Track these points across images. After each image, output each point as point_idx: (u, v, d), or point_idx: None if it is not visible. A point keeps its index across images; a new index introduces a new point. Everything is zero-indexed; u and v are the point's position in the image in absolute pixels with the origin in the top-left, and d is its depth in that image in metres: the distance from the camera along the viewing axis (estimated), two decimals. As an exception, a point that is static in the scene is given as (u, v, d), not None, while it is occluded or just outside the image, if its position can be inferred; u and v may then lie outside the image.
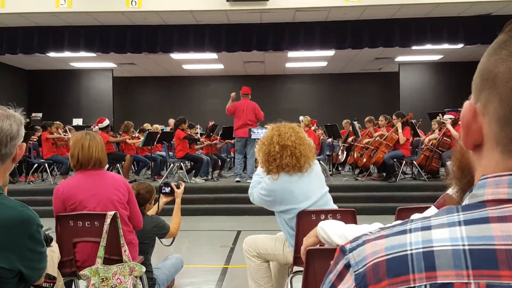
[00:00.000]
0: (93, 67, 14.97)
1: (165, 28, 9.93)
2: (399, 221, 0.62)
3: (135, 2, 8.74)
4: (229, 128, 9.97)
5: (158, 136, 10.00)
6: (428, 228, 0.56)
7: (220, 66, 14.97)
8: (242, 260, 3.40)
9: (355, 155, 9.59)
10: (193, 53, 10.84)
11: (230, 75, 16.17)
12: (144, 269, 2.90)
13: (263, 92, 15.53)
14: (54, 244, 2.92)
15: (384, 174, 9.07)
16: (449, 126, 8.47)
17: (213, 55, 12.55)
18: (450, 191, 0.71)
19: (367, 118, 10.07)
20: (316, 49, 10.32)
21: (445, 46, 10.39)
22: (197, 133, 10.55)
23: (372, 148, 9.06)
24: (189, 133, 9.71)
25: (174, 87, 16.85)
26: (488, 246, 0.52)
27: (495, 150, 0.59)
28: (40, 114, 14.90)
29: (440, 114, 9.66)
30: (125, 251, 2.86)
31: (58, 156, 9.42)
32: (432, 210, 1.55)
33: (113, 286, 2.75)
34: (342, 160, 10.79)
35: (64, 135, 9.85)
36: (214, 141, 10.75)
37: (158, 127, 11.71)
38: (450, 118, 8.60)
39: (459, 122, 0.67)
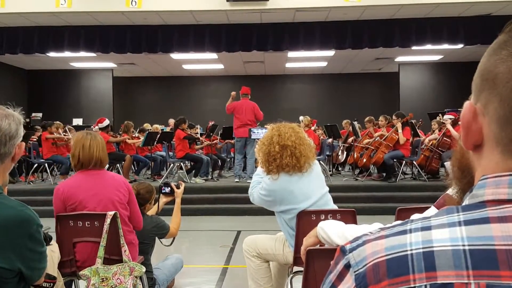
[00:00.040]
0: (93, 67, 14.97)
1: (165, 28, 9.93)
2: (399, 221, 0.62)
3: (135, 2, 8.74)
4: (229, 128, 9.98)
5: (158, 136, 10.00)
6: (428, 228, 0.56)
7: (220, 66, 14.97)
8: (242, 260, 3.40)
9: (355, 155, 9.59)
10: (193, 53, 10.84)
11: (230, 75, 16.17)
12: (144, 269, 2.90)
13: (263, 92, 15.53)
14: (54, 244, 2.92)
15: (384, 174, 9.07)
16: (449, 126, 8.47)
17: (213, 55, 12.55)
18: (450, 191, 0.71)
19: (367, 118, 10.07)
20: (316, 49, 10.32)
21: (445, 46, 10.39)
22: (197, 133, 10.56)
23: (372, 148, 9.06)
24: (189, 133, 9.71)
25: (174, 87, 16.85)
26: (488, 246, 0.52)
27: (495, 150, 0.59)
28: (40, 114, 14.90)
29: (440, 114, 9.66)
30: (125, 251, 2.86)
31: (58, 156, 9.42)
32: (432, 210, 1.55)
33: (113, 286, 2.75)
34: (342, 160, 10.79)
35: (64, 135, 9.85)
36: (214, 141, 10.75)
37: (158, 127, 11.71)
38: (450, 118, 8.60)
39: (459, 122, 0.67)
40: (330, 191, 3.18)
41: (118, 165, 9.52)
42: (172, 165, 10.16)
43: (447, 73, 14.77)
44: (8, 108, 1.70)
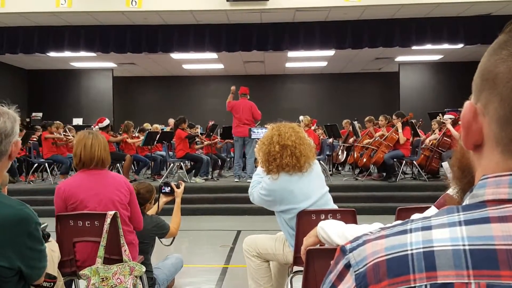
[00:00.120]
0: (93, 67, 14.97)
1: (165, 28, 9.93)
2: (399, 221, 0.62)
3: (135, 2, 8.74)
4: (229, 128, 9.98)
5: (158, 136, 10.00)
6: (429, 228, 0.56)
7: (220, 66, 14.97)
8: (242, 260, 3.40)
9: (355, 155, 9.59)
10: (193, 53, 10.85)
11: (230, 75, 16.17)
12: (144, 269, 2.90)
13: (263, 92, 15.54)
14: (54, 243, 2.92)
15: (384, 174, 9.07)
16: (449, 126, 8.47)
17: (213, 55, 12.55)
18: (451, 191, 0.71)
19: (367, 118, 10.07)
20: (316, 49, 10.32)
21: (445, 46, 10.39)
22: (197, 133, 10.56)
23: (372, 148, 9.06)
24: (189, 132, 9.71)
25: (174, 87, 16.86)
26: (488, 246, 0.52)
27: (495, 150, 0.59)
28: (40, 114, 14.91)
29: (440, 114, 9.65)
30: (125, 250, 2.86)
31: (58, 155, 9.42)
32: (432, 210, 1.55)
33: (113, 285, 2.76)
34: (342, 160, 10.79)
35: (64, 134, 9.85)
36: (214, 141, 10.75)
37: (158, 127, 11.72)
38: (450, 118, 8.60)
39: (459, 122, 0.67)
40: (330, 191, 3.18)
41: (118, 164, 9.52)
42: (172, 164, 10.16)
43: (447, 73, 14.77)
44: (3, 106, 1.70)
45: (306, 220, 2.91)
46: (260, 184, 3.10)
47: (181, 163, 9.73)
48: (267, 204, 3.09)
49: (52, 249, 2.78)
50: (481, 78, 0.60)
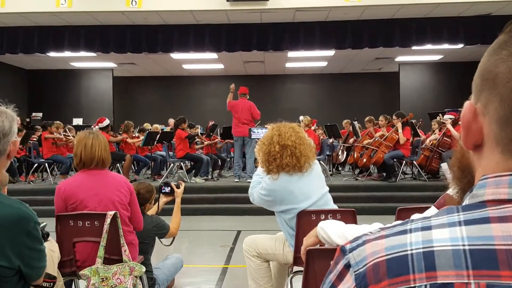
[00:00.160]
0: (93, 67, 14.97)
1: (165, 28, 9.93)
2: (399, 221, 0.62)
3: (135, 2, 8.74)
4: (229, 128, 9.98)
5: (158, 136, 10.00)
6: (429, 228, 0.56)
7: (220, 66, 14.97)
8: (242, 260, 3.40)
9: (355, 155, 9.60)
10: (193, 53, 10.85)
11: (230, 75, 16.16)
12: (144, 269, 2.90)
13: (263, 92, 15.54)
14: (54, 243, 2.92)
15: (384, 174, 9.07)
16: (449, 126, 8.47)
17: (213, 55, 12.55)
18: (450, 191, 0.71)
19: (367, 118, 10.07)
20: (316, 49, 10.32)
21: (445, 46, 10.40)
22: (197, 133, 10.56)
23: (372, 148, 9.06)
24: (189, 132, 9.72)
25: (174, 87, 16.86)
26: (488, 246, 0.52)
27: (495, 150, 0.59)
28: (40, 114, 14.91)
29: (440, 114, 9.66)
30: (125, 251, 2.86)
31: (58, 155, 9.42)
32: (432, 210, 1.55)
33: (113, 286, 2.76)
34: (342, 160, 10.79)
35: (64, 135, 9.85)
36: (214, 141, 10.75)
37: (158, 127, 11.72)
38: (450, 118, 8.60)
39: (459, 122, 0.67)
40: (330, 191, 3.18)
41: (118, 165, 9.52)
42: (172, 165, 10.16)
43: (447, 73, 14.77)
44: (1, 106, 1.70)
45: (306, 220, 2.91)
46: (260, 184, 3.10)
47: (181, 163, 9.74)
48: (267, 204, 3.09)
49: (52, 249, 2.78)
50: (481, 78, 0.60)
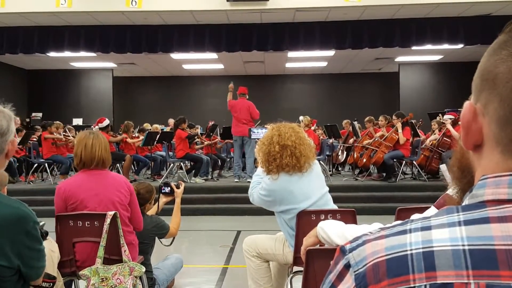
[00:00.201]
0: (93, 67, 14.97)
1: (165, 28, 9.93)
2: (399, 221, 0.62)
3: (135, 2, 8.74)
4: (229, 128, 9.98)
5: (158, 136, 10.00)
6: (428, 228, 0.56)
7: (220, 66, 14.97)
8: (242, 260, 3.40)
9: (355, 155, 9.60)
10: (193, 53, 10.85)
11: (230, 75, 16.14)
12: (144, 269, 2.90)
13: (263, 92, 15.54)
14: (54, 243, 2.92)
15: (384, 174, 9.07)
16: (449, 126, 8.48)
17: (213, 55, 12.56)
18: (450, 191, 0.71)
19: (367, 118, 10.07)
20: (316, 49, 10.32)
21: (445, 46, 10.40)
22: (197, 133, 10.56)
23: (372, 148, 9.06)
24: (189, 132, 9.72)
25: (174, 87, 16.86)
26: (488, 246, 0.52)
27: (495, 150, 0.59)
28: (40, 114, 14.91)
29: (440, 114, 9.66)
30: (125, 251, 2.86)
31: (58, 156, 9.42)
32: (432, 210, 1.55)
33: (113, 286, 2.75)
34: (342, 160, 10.79)
35: (64, 135, 9.86)
36: (214, 141, 10.75)
37: (158, 127, 11.72)
38: (450, 118, 8.61)
39: (459, 122, 0.67)
40: (330, 191, 3.18)
41: (118, 165, 9.52)
42: (172, 165, 10.16)
43: (447, 73, 14.77)
44: None
45: (306, 220, 2.91)
46: (260, 184, 3.10)
47: (181, 163, 9.74)
48: (267, 204, 3.09)
49: (51, 249, 2.78)
50: (481, 78, 0.61)
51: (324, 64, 14.84)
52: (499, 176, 0.57)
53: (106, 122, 9.39)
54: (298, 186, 2.98)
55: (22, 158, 10.05)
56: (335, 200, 3.23)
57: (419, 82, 15.08)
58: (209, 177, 9.72)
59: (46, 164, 9.44)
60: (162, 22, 9.75)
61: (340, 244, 0.65)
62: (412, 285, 0.53)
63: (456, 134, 8.19)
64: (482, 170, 0.60)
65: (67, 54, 10.99)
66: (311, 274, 2.07)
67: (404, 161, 9.07)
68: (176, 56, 12.69)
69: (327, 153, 10.49)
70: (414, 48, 10.73)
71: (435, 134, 9.24)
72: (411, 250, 0.54)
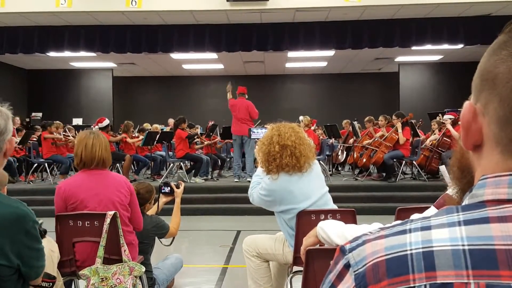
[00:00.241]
0: (93, 67, 14.97)
1: (165, 28, 9.93)
2: (399, 221, 0.62)
3: (135, 2, 8.74)
4: (229, 128, 9.99)
5: (158, 136, 10.00)
6: (428, 228, 0.56)
7: (220, 66, 14.97)
8: (242, 260, 3.40)
9: (355, 155, 9.60)
10: (193, 53, 10.84)
11: (230, 75, 16.15)
12: (143, 269, 2.90)
13: (263, 92, 15.54)
14: (54, 244, 2.92)
15: (384, 174, 9.07)
16: (449, 126, 8.48)
17: (213, 55, 12.55)
18: (450, 191, 0.71)
19: (367, 118, 10.07)
20: (316, 49, 10.32)
21: (445, 46, 10.40)
22: (197, 133, 10.56)
23: (372, 148, 9.06)
24: (189, 132, 9.72)
25: (174, 87, 16.85)
26: (488, 246, 0.52)
27: (495, 150, 0.59)
28: (40, 114, 14.91)
29: (440, 114, 9.66)
30: (124, 251, 2.86)
31: (57, 155, 9.42)
32: (431, 210, 1.55)
33: (113, 286, 2.75)
34: (342, 160, 10.80)
35: (64, 135, 9.86)
36: (214, 141, 10.75)
37: (157, 127, 11.72)
38: (450, 118, 8.61)
39: (459, 122, 0.67)
40: (330, 191, 3.18)
41: (118, 164, 9.52)
42: (172, 165, 10.16)
43: (447, 73, 14.77)
44: None
45: (305, 220, 2.91)
46: (259, 185, 3.10)
47: (181, 163, 9.74)
48: (266, 204, 3.09)
49: (51, 249, 2.78)
50: (481, 78, 0.61)
51: (324, 64, 14.84)
52: (499, 176, 0.57)
53: (106, 122, 9.40)
54: (298, 186, 2.98)
55: (22, 158, 10.05)
56: (335, 200, 3.23)
57: (419, 82, 15.08)
58: (209, 177, 9.72)
59: (46, 164, 9.44)
60: (162, 22, 9.75)
61: (340, 244, 0.65)
62: (412, 285, 0.53)
63: (456, 134, 8.19)
64: (482, 170, 0.60)
65: (67, 54, 10.99)
66: (311, 274, 2.07)
67: (404, 161, 9.07)
68: (176, 56, 12.69)
69: (327, 153, 10.49)
70: (414, 48, 10.73)
71: (435, 134, 9.24)
72: (411, 250, 0.54)
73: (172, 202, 3.69)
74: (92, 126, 9.89)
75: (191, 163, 9.75)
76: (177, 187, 3.64)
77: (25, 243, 1.65)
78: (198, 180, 9.22)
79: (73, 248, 2.99)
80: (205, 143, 10.56)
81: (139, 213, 3.19)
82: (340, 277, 0.58)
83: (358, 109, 14.98)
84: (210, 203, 8.36)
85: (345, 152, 10.66)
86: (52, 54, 11.12)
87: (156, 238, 3.52)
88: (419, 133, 9.32)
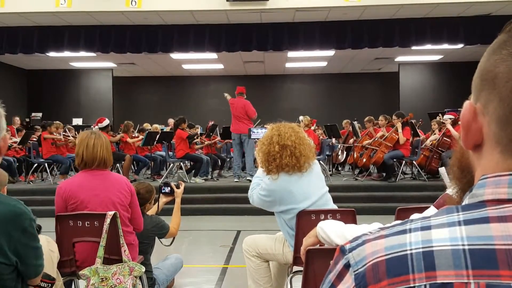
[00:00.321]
0: (93, 67, 14.97)
1: (165, 28, 9.93)
2: (398, 221, 0.62)
3: (135, 2, 8.74)
4: (229, 128, 10.00)
5: (158, 136, 10.00)
6: (428, 228, 0.56)
7: (220, 66, 14.97)
8: (242, 260, 3.40)
9: (355, 155, 9.60)
10: (193, 53, 10.84)
11: (230, 75, 16.17)
12: (143, 269, 2.90)
13: (263, 92, 15.54)
14: (54, 244, 2.92)
15: (384, 174, 9.07)
16: (449, 126, 8.48)
17: (213, 55, 12.55)
18: (450, 191, 0.71)
19: (366, 118, 10.07)
20: (316, 49, 10.32)
21: (445, 46, 10.39)
22: (197, 133, 10.56)
23: (372, 148, 9.06)
24: (189, 132, 9.73)
25: (174, 87, 16.85)
26: (487, 246, 0.52)
27: (495, 150, 0.59)
28: (40, 114, 14.91)
29: (440, 114, 9.66)
30: (124, 251, 2.86)
31: (57, 155, 9.42)
32: (431, 210, 1.55)
33: (113, 286, 2.75)
34: (342, 160, 10.80)
35: (64, 135, 9.86)
36: (214, 141, 10.75)
37: (157, 127, 11.72)
38: (450, 118, 8.61)
39: (459, 122, 0.67)
40: (330, 191, 3.18)
41: (118, 165, 9.52)
42: (172, 165, 10.16)
43: (447, 73, 14.77)
44: None
45: (305, 220, 2.91)
46: (259, 186, 3.10)
47: (181, 163, 9.74)
48: (266, 205, 3.09)
49: (51, 249, 2.78)
50: (481, 78, 0.60)
51: (324, 64, 14.83)
52: (499, 175, 0.57)
53: (106, 122, 9.40)
54: (298, 186, 2.98)
55: (22, 158, 10.05)
56: (335, 200, 3.23)
57: (419, 82, 15.08)
58: (209, 177, 9.72)
59: (46, 164, 9.44)
60: (162, 22, 9.75)
61: (340, 244, 0.65)
62: (412, 285, 0.53)
63: (456, 134, 8.19)
64: (482, 169, 0.60)
65: (67, 54, 10.98)
66: (310, 274, 2.07)
67: (404, 161, 9.07)
68: (176, 56, 12.69)
69: (327, 153, 10.49)
70: (414, 48, 10.73)
71: (435, 134, 9.24)
72: (410, 250, 0.54)
73: (172, 202, 3.69)
74: (92, 126, 9.89)
75: (191, 163, 9.75)
76: (177, 187, 3.64)
77: (22, 241, 1.65)
78: (198, 180, 9.23)
79: (73, 248, 2.99)
80: (205, 143, 10.56)
81: (139, 214, 3.19)
82: (340, 277, 0.58)
83: (358, 109, 14.98)
84: (210, 203, 8.36)
85: (345, 152, 10.66)
86: (52, 54, 11.12)
87: (156, 238, 3.52)
88: (419, 133, 9.32)
